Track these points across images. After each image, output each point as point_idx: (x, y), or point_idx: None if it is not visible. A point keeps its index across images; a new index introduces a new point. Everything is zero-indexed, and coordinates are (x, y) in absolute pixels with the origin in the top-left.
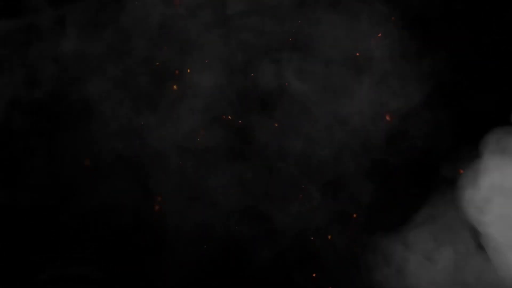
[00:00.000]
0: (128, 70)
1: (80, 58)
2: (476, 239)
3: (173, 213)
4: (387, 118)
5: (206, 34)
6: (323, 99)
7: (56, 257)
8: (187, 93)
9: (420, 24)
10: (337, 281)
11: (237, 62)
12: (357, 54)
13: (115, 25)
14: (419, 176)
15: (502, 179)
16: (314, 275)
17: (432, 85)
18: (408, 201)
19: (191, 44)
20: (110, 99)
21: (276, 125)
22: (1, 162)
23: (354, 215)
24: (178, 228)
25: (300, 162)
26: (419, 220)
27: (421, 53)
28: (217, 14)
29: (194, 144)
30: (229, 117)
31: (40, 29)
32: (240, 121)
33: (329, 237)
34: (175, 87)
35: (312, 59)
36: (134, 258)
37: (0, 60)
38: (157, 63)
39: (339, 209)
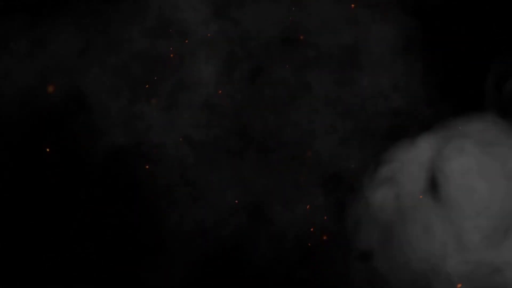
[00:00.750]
0: (125, 62)
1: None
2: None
3: (172, 212)
4: None
5: (206, 26)
6: (323, 94)
7: (56, 257)
8: (187, 85)
9: (421, 19)
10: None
11: (236, 55)
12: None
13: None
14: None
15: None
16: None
17: (433, 81)
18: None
19: (190, 36)
20: (107, 91)
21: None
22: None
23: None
24: (178, 227)
25: (300, 158)
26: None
27: (423, 49)
28: (216, 6)
29: (194, 138)
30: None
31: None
32: (239, 97)
33: (325, 237)
34: (172, 55)
35: (312, 51)
36: (134, 258)
37: None
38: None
39: (340, 205)
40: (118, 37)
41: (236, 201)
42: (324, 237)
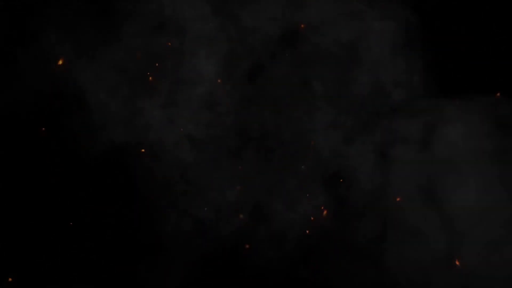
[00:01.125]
0: (124, 58)
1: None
2: None
3: (172, 212)
4: None
5: (205, 24)
6: (323, 92)
7: (56, 256)
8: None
9: (422, 16)
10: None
11: (236, 52)
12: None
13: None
14: None
15: None
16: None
17: (434, 78)
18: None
19: (190, 33)
20: (106, 88)
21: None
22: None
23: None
24: (177, 227)
25: (301, 157)
26: None
27: (423, 45)
28: (216, 3)
29: (194, 137)
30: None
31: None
32: (239, 95)
33: (324, 215)
34: (169, 44)
35: (312, 49)
36: (133, 258)
37: None
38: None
39: (341, 204)
40: (117, 34)
41: (238, 188)
42: (324, 212)
